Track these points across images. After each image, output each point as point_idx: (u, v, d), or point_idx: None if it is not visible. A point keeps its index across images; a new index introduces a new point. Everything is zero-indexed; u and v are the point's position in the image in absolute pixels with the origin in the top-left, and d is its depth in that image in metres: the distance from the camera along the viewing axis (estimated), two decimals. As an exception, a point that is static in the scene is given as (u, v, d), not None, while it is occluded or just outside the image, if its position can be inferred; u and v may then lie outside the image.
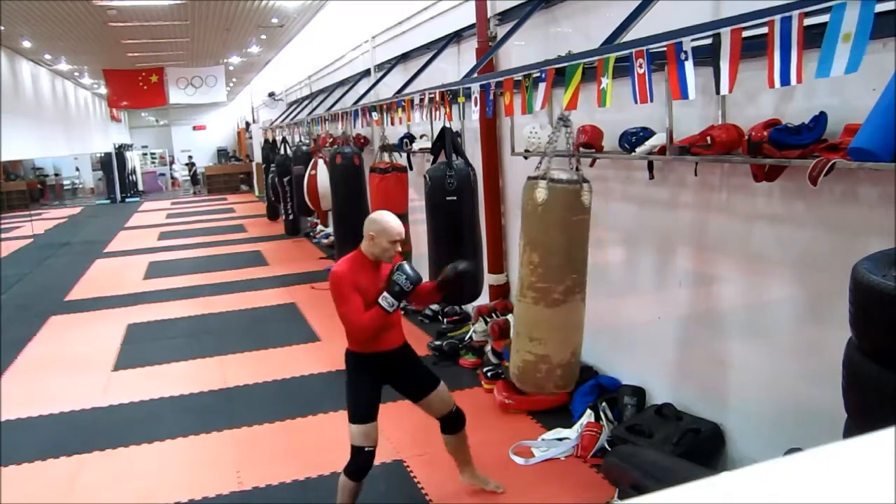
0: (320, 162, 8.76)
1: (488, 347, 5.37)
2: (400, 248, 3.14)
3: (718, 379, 3.62)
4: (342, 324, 3.13)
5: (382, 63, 8.52)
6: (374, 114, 6.43)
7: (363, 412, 3.13)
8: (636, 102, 2.88)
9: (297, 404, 4.90)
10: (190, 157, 30.19)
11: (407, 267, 3.11)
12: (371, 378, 3.19)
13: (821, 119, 2.69)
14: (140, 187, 26.25)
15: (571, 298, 3.10)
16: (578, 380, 4.46)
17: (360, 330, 3.05)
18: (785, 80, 2.28)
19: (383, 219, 3.11)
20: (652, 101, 2.85)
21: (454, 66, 6.33)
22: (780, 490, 0.52)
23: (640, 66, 2.82)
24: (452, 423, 3.39)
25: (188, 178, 28.97)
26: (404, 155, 6.81)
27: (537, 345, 3.15)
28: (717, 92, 2.63)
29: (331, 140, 9.14)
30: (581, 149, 4.01)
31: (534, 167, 3.33)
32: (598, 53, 3.07)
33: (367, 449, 3.11)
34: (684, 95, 2.66)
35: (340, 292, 3.04)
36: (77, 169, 26.09)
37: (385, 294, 3.04)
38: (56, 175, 25.48)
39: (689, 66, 2.61)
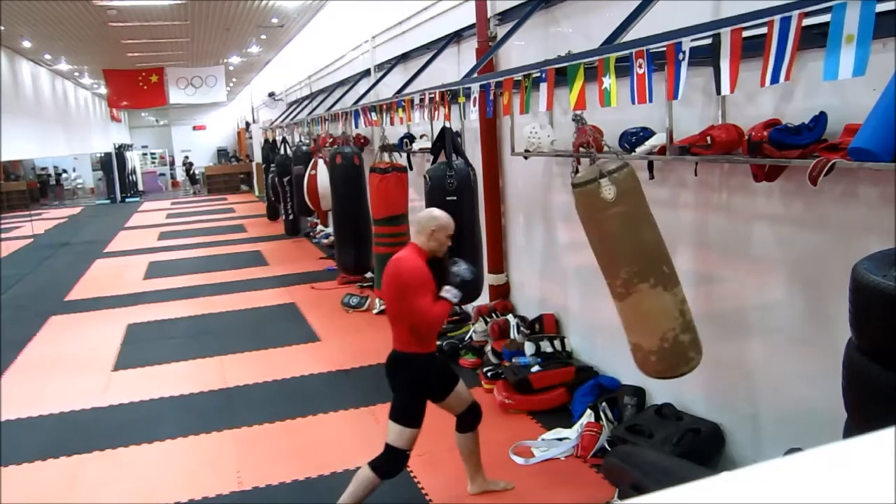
0: (320, 162, 8.76)
1: (488, 347, 5.36)
2: (451, 243, 3.24)
3: (718, 379, 3.62)
4: (409, 319, 3.07)
5: (382, 63, 8.52)
6: (373, 114, 6.43)
7: (418, 418, 3.18)
8: (633, 103, 2.88)
9: (297, 404, 4.90)
10: (186, 156, 30.13)
11: (461, 261, 3.23)
12: (429, 382, 3.23)
13: (821, 119, 2.69)
14: (140, 187, 26.26)
15: (635, 289, 3.07)
16: (578, 380, 4.49)
17: (433, 323, 3.08)
18: (775, 79, 2.28)
19: (439, 215, 3.22)
20: (651, 101, 2.84)
21: (454, 66, 6.33)
22: (780, 490, 0.52)
23: (640, 67, 2.81)
24: (472, 416, 3.41)
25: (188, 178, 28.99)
26: (404, 155, 6.81)
27: (631, 333, 3.17)
28: (718, 92, 2.63)
29: (331, 140, 9.14)
30: (581, 149, 4.01)
31: (537, 167, 3.33)
32: (599, 53, 3.06)
33: (407, 452, 3.18)
34: (675, 96, 2.67)
35: (418, 284, 3.03)
36: (63, 169, 26.03)
37: (447, 287, 3.09)
38: (63, 173, 25.48)
39: (683, 66, 2.61)
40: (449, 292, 3.10)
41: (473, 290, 4.48)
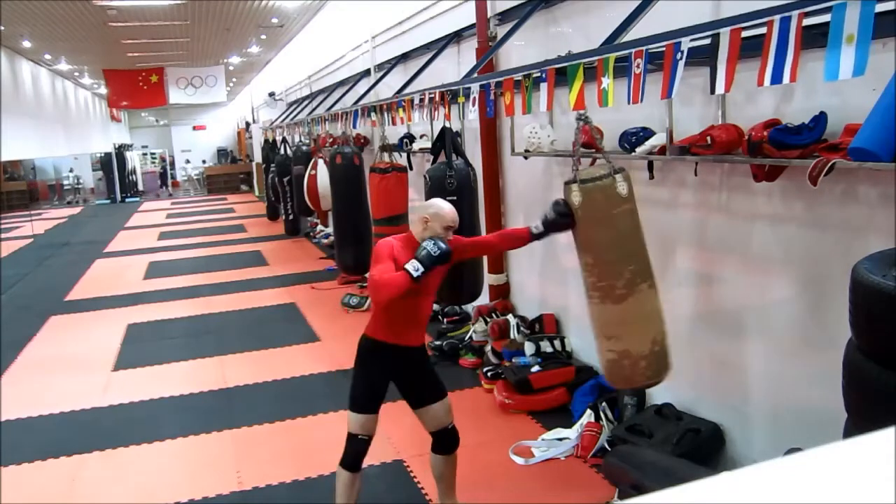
0: (320, 162, 8.76)
1: (488, 347, 5.37)
2: (451, 237, 3.04)
3: (718, 379, 3.62)
4: (369, 291, 2.98)
5: (382, 63, 8.52)
6: (372, 114, 6.43)
7: (364, 402, 3.06)
8: (629, 103, 2.88)
9: (297, 404, 4.90)
10: (161, 155, 30.03)
11: (440, 240, 2.98)
12: (381, 370, 3.08)
13: (821, 119, 2.69)
14: (140, 187, 26.25)
15: (635, 290, 3.00)
16: (578, 380, 4.49)
17: (380, 285, 2.83)
18: (776, 79, 2.27)
19: (438, 204, 3.07)
20: (642, 101, 2.84)
21: (454, 66, 6.33)
22: (780, 490, 0.52)
23: (638, 67, 2.81)
24: (446, 441, 3.23)
25: (186, 177, 28.94)
26: (404, 155, 6.81)
27: (615, 342, 3.04)
28: (712, 91, 2.60)
29: (331, 140, 9.14)
30: (581, 148, 4.00)
31: (537, 167, 3.31)
32: (598, 53, 3.06)
33: (360, 437, 3.05)
34: (669, 94, 2.66)
35: (378, 255, 2.92)
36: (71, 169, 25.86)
37: (412, 260, 2.87)
38: (77, 177, 25.33)
39: (680, 66, 2.61)
40: (410, 264, 2.86)
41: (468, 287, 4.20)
